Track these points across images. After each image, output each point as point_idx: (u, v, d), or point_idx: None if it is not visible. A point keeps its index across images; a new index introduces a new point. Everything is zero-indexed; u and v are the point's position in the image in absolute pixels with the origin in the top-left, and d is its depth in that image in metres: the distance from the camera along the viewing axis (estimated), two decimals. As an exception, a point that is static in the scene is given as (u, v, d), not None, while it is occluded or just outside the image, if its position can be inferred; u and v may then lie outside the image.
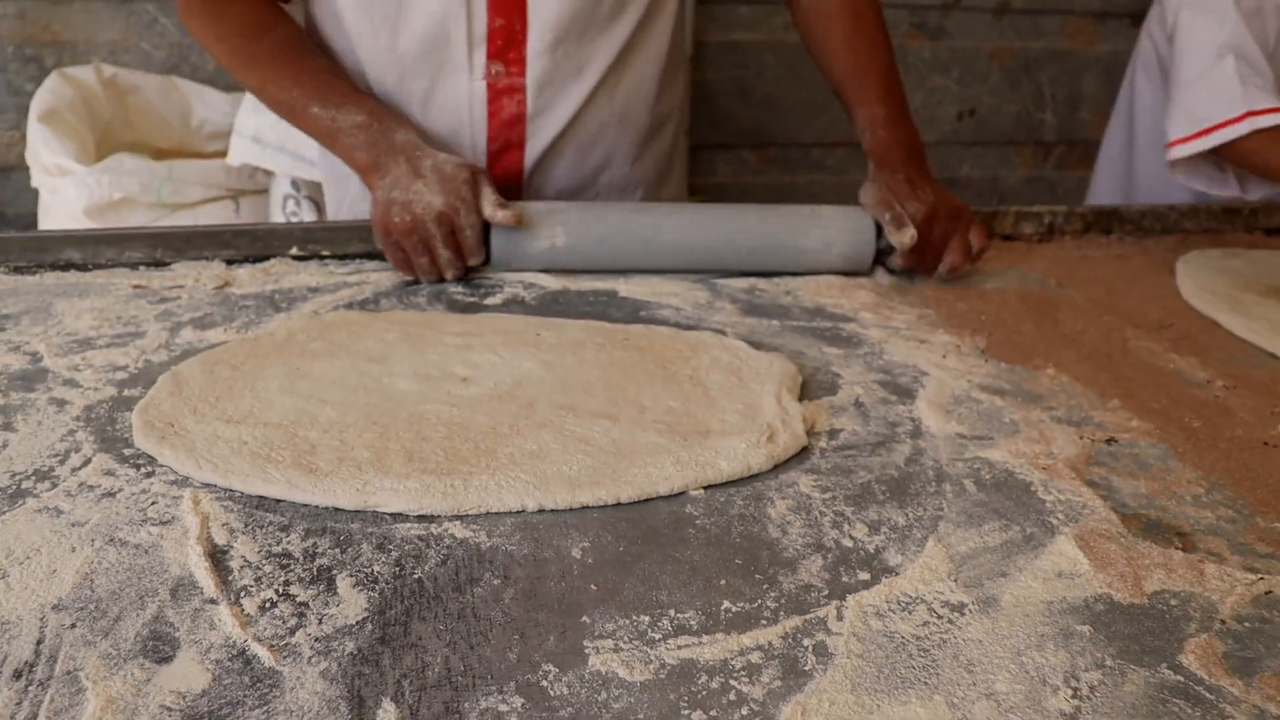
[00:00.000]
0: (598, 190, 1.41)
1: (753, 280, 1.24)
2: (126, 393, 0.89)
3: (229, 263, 1.19)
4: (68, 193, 1.77)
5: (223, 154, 2.04)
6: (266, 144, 1.82)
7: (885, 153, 1.27)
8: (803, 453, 0.84)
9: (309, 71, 1.21)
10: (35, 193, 2.15)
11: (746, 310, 1.15)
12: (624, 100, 1.36)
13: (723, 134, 2.77)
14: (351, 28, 1.28)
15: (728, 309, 1.15)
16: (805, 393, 0.95)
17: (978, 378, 1.00)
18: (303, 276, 1.16)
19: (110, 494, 0.74)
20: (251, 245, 1.19)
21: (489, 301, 1.14)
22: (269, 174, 1.92)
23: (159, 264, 1.18)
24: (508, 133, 1.32)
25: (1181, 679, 0.61)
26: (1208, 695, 0.60)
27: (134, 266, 1.17)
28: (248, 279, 1.15)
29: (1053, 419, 0.93)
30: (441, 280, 1.16)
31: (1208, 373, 1.07)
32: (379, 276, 1.18)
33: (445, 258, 1.14)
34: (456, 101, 1.29)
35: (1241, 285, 1.33)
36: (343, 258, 1.22)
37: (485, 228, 1.16)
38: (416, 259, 1.14)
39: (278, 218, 1.93)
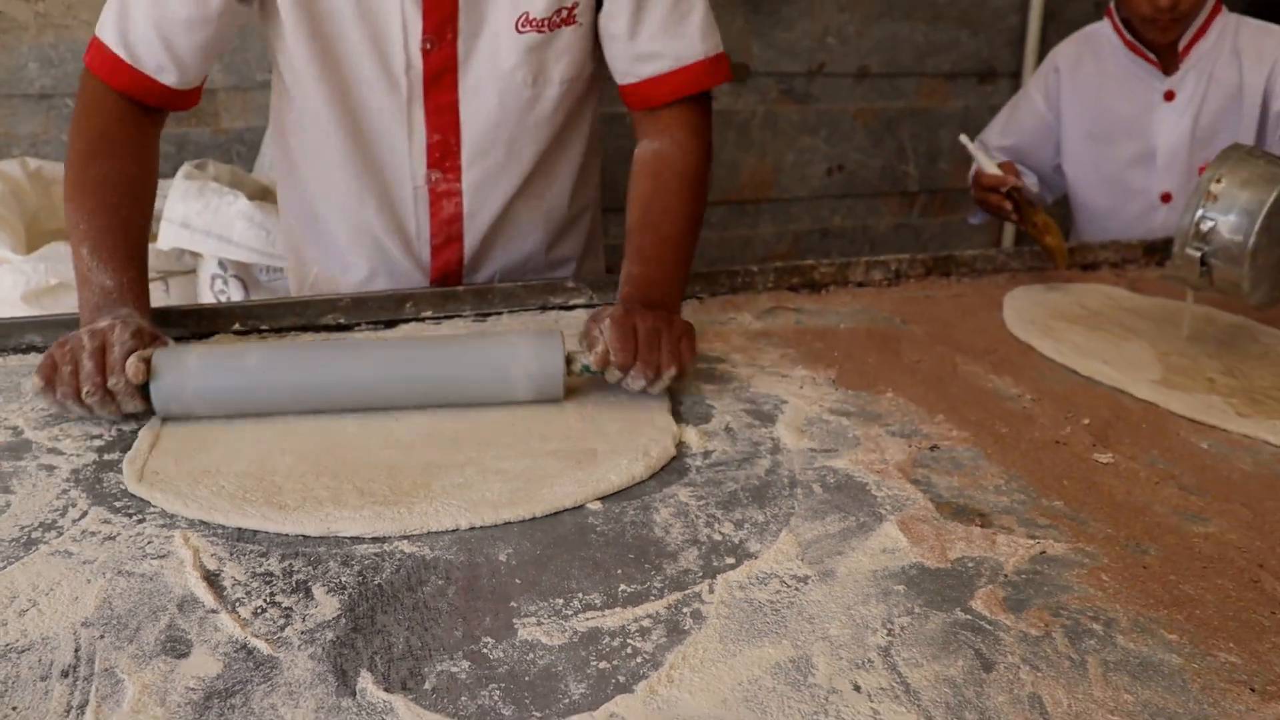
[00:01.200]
0: (527, 272, 1.58)
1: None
2: (106, 457, 1.04)
3: (177, 339, 1.33)
4: (4, 280, 1.89)
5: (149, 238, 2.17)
6: (195, 229, 1.97)
7: (623, 304, 1.23)
8: (683, 470, 1.03)
9: (105, 213, 1.23)
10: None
11: (635, 358, 1.33)
12: (550, 195, 1.52)
13: (614, 197, 2.94)
14: (309, 145, 1.43)
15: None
16: (684, 421, 1.14)
17: (828, 403, 1.20)
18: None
19: (110, 537, 0.89)
20: (198, 323, 1.35)
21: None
22: (196, 256, 2.05)
23: (113, 345, 1.32)
24: (448, 229, 1.48)
25: (970, 617, 0.81)
26: (987, 627, 0.80)
27: (90, 348, 1.31)
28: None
29: (888, 433, 1.13)
30: (81, 401, 1.07)
31: (1019, 389, 1.28)
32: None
33: (87, 369, 1.06)
34: (404, 203, 1.45)
35: (1056, 314, 1.56)
36: (279, 330, 1.38)
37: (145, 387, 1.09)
38: (61, 368, 1.07)
39: (206, 295, 2.07)
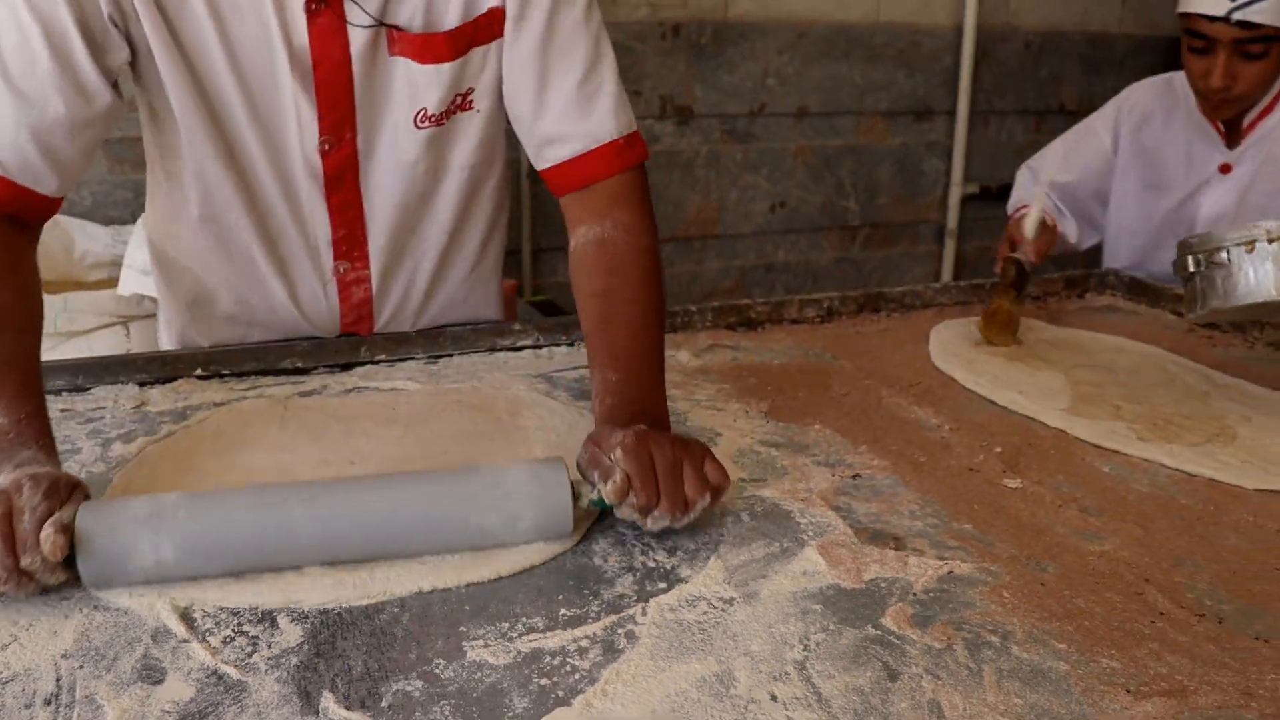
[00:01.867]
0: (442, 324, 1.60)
1: (581, 371, 1.50)
2: (77, 499, 1.10)
3: (141, 384, 1.40)
4: None
5: (105, 283, 2.22)
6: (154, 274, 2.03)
7: (608, 418, 1.13)
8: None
9: None
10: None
11: (578, 395, 1.41)
12: (459, 260, 1.54)
13: (560, 238, 3.05)
14: (211, 237, 1.40)
15: (563, 396, 1.41)
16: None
17: (759, 435, 1.28)
18: (208, 393, 1.38)
19: (84, 575, 0.95)
20: (161, 369, 1.41)
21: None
22: (156, 300, 2.11)
23: (79, 389, 1.38)
24: (358, 311, 1.51)
25: (880, 632, 0.89)
26: (895, 641, 0.88)
27: (57, 392, 1.37)
28: (160, 398, 1.36)
29: (814, 463, 1.21)
30: None
31: (939, 419, 1.37)
32: (273, 390, 1.40)
33: None
34: (313, 292, 1.47)
35: (977, 347, 1.66)
36: (240, 375, 1.44)
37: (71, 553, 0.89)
38: None
39: (166, 339, 2.12)
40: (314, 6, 1.22)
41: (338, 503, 0.97)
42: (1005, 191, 3.78)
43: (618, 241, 1.28)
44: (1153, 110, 2.25)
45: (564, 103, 1.31)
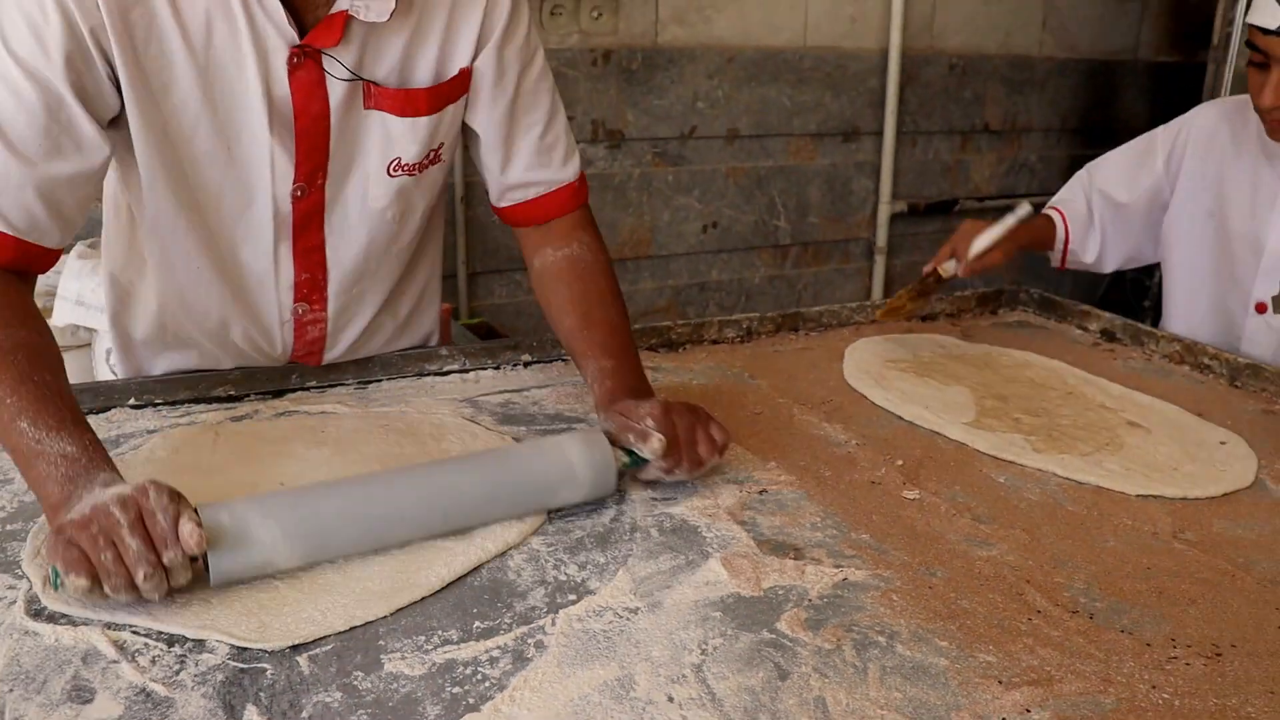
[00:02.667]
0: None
1: (507, 395, 1.55)
2: (9, 527, 1.13)
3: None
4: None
5: (43, 312, 2.24)
6: (89, 305, 2.04)
7: (611, 400, 1.31)
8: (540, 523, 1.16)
9: (31, 382, 1.10)
10: None
11: (502, 420, 1.46)
12: (405, 297, 1.61)
13: (496, 261, 3.13)
14: (170, 280, 1.44)
15: (487, 420, 1.46)
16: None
17: (674, 455, 1.34)
18: (141, 422, 1.41)
19: (14, 602, 0.99)
20: (94, 399, 1.44)
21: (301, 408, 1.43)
22: (91, 330, 2.13)
23: (12, 423, 1.41)
24: (310, 346, 1.55)
25: (774, 636, 0.95)
26: (788, 644, 0.94)
27: (-10, 427, 1.40)
28: (94, 427, 1.39)
29: (723, 480, 1.27)
30: (134, 589, 0.93)
31: (847, 435, 1.44)
32: (206, 416, 1.44)
33: (134, 549, 0.92)
34: (269, 330, 1.51)
35: (890, 364, 1.73)
36: (173, 403, 1.48)
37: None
38: (97, 554, 0.92)
39: (101, 368, 2.14)
40: (296, 60, 1.27)
41: (429, 482, 1.12)
42: (932, 209, 3.94)
43: (586, 258, 1.48)
44: (1219, 132, 2.06)
45: (528, 155, 1.47)
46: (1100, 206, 2.15)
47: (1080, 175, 2.21)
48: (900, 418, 1.52)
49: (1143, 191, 2.12)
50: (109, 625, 0.95)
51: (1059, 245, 2.17)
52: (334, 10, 1.25)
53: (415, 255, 1.59)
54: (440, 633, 0.95)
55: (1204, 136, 2.07)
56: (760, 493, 1.25)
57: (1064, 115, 4.24)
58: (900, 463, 1.35)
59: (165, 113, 1.27)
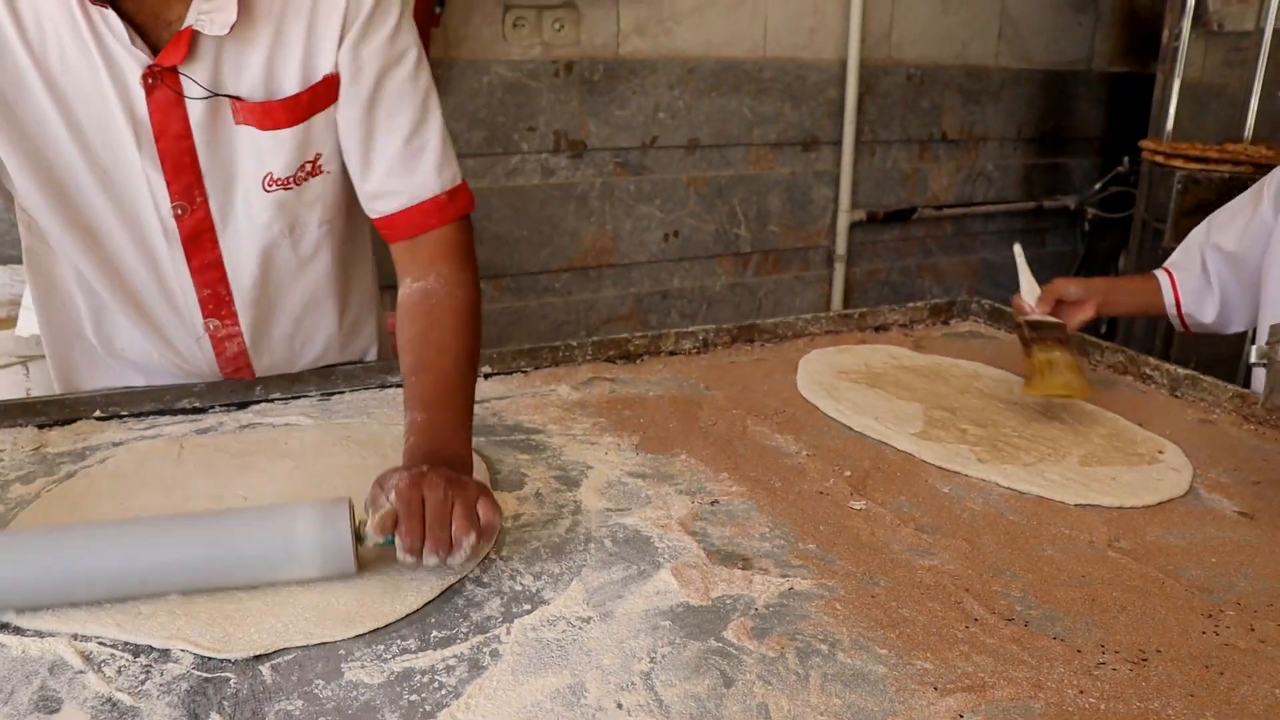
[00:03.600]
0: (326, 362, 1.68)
1: (468, 407, 1.58)
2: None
3: (41, 426, 1.45)
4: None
5: (4, 321, 2.26)
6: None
7: (408, 457, 1.20)
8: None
9: None
10: None
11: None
12: (332, 307, 1.61)
13: (458, 270, 3.15)
14: (84, 300, 1.49)
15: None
16: (499, 488, 1.30)
17: (629, 467, 1.38)
18: (107, 434, 1.44)
19: (-17, 615, 1.02)
20: (60, 411, 1.46)
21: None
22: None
23: (-24, 434, 1.43)
24: (235, 362, 1.58)
25: (721, 644, 0.99)
26: (734, 652, 0.98)
27: (-47, 439, 1.42)
28: (60, 439, 1.41)
29: (676, 491, 1.31)
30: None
31: (798, 445, 1.48)
32: (171, 429, 1.46)
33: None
34: (188, 347, 1.53)
35: (842, 375, 1.77)
36: (139, 415, 1.50)
37: None
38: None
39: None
40: (151, 81, 1.28)
41: (129, 541, 1.04)
42: (891, 217, 4.00)
43: (439, 293, 1.38)
44: None
45: (390, 161, 1.40)
46: (1215, 262, 1.99)
47: (1197, 231, 2.04)
48: (850, 428, 1.56)
49: (1253, 238, 1.95)
50: (75, 636, 0.97)
51: (1170, 308, 2.03)
52: (183, 27, 1.25)
53: (340, 267, 1.58)
54: (399, 642, 0.98)
55: None
56: (712, 503, 1.28)
57: (1020, 124, 4.32)
58: (848, 473, 1.39)
59: (37, 148, 1.29)
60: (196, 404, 1.54)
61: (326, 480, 1.30)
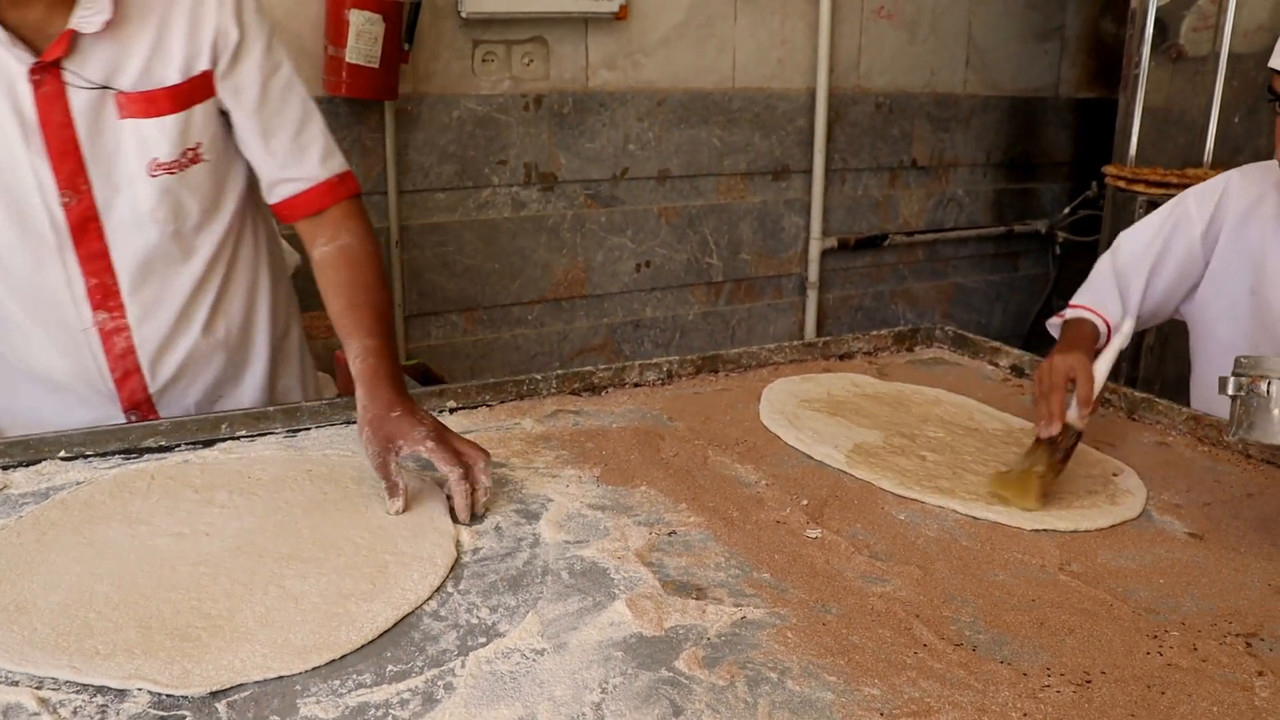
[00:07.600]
0: (245, 403, 1.73)
1: (432, 441, 1.59)
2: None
3: (4, 468, 1.46)
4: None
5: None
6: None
7: (373, 378, 1.46)
8: (455, 566, 1.21)
9: None
10: None
11: (425, 465, 1.50)
12: (224, 317, 1.69)
13: (432, 303, 3.18)
14: None
15: (410, 465, 1.50)
16: (459, 522, 1.32)
17: (589, 499, 1.39)
18: (71, 474, 1.44)
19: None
20: (24, 452, 1.47)
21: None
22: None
23: (-59, 477, 1.44)
24: (124, 363, 1.60)
25: (672, 674, 1.01)
26: (684, 681, 0.99)
27: (-82, 482, 1.43)
28: (24, 480, 1.42)
29: (635, 522, 1.33)
30: None
31: (758, 475, 1.50)
32: (145, 467, 1.47)
33: None
34: (77, 345, 1.57)
35: (804, 403, 1.79)
36: (104, 454, 1.51)
37: None
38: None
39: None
40: (37, 77, 1.40)
41: None
42: (863, 244, 4.04)
43: (355, 248, 1.63)
44: (1263, 198, 1.86)
45: (284, 154, 1.62)
46: (1131, 293, 1.95)
47: (1102, 265, 2.00)
48: (810, 457, 1.58)
49: (1175, 265, 1.94)
50: (31, 679, 0.98)
51: (1101, 343, 1.86)
52: (66, 28, 1.38)
53: (228, 268, 1.68)
54: (355, 676, 1.00)
55: (1245, 203, 1.88)
56: (669, 534, 1.30)
57: (989, 150, 4.37)
58: (805, 502, 1.41)
59: None
60: (163, 442, 1.55)
61: (287, 514, 1.31)
